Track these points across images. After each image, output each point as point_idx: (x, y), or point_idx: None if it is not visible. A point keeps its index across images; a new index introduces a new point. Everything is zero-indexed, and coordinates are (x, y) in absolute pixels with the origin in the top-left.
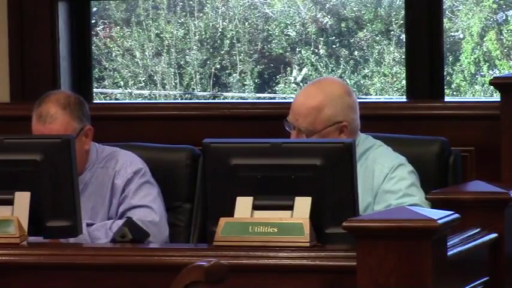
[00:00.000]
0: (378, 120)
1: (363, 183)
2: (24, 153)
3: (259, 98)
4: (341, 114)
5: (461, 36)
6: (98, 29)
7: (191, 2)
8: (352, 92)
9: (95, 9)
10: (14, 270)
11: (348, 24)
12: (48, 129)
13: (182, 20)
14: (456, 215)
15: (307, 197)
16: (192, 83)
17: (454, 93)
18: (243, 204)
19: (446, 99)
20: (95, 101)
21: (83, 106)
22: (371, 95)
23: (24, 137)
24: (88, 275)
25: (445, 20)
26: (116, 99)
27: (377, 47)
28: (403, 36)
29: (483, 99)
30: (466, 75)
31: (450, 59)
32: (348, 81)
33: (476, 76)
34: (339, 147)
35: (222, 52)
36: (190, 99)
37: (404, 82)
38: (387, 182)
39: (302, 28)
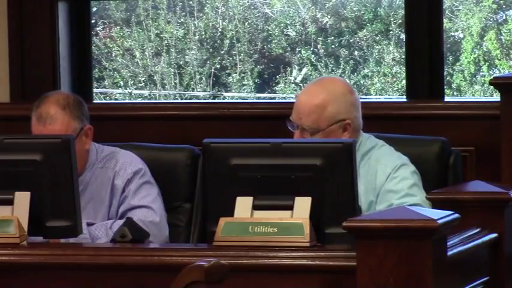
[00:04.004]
0: (378, 120)
1: (365, 182)
2: (24, 153)
3: (259, 98)
4: (344, 112)
5: (461, 36)
6: (98, 29)
7: (191, 2)
8: (354, 91)
9: (94, 9)
10: (14, 270)
11: (348, 24)
12: (48, 129)
13: (182, 20)
14: (456, 215)
15: (307, 197)
16: (192, 83)
17: (454, 93)
18: (243, 204)
19: (446, 99)
20: (94, 101)
21: (82, 106)
22: (371, 95)
23: (24, 137)
24: (88, 275)
25: (445, 20)
26: (116, 99)
27: (377, 47)
28: (403, 36)
29: (483, 99)
30: (466, 75)
31: (450, 59)
32: (348, 81)
33: (476, 76)
34: (339, 147)
35: (222, 52)
36: (190, 99)
37: (404, 82)
38: (389, 181)
39: (302, 28)
